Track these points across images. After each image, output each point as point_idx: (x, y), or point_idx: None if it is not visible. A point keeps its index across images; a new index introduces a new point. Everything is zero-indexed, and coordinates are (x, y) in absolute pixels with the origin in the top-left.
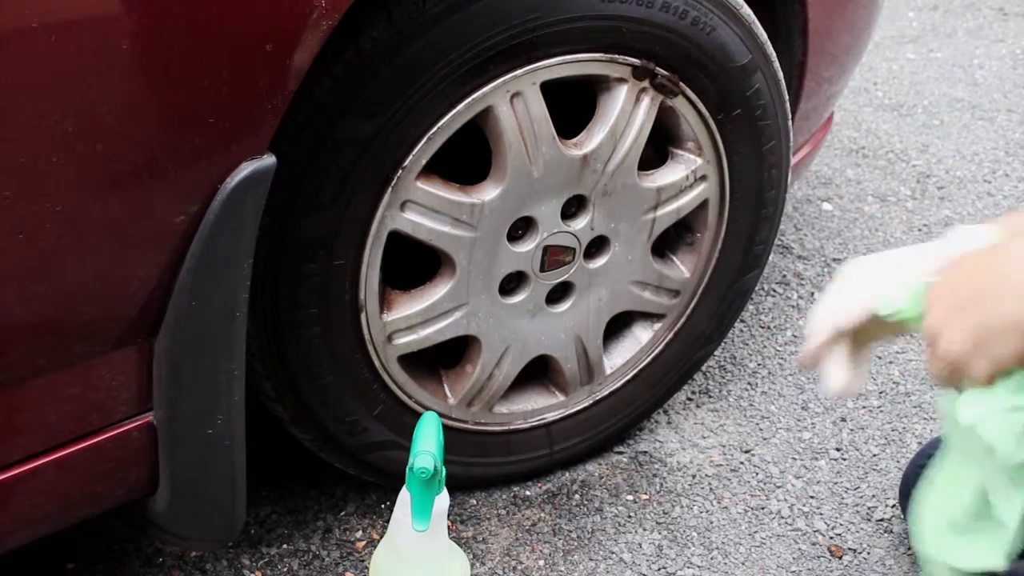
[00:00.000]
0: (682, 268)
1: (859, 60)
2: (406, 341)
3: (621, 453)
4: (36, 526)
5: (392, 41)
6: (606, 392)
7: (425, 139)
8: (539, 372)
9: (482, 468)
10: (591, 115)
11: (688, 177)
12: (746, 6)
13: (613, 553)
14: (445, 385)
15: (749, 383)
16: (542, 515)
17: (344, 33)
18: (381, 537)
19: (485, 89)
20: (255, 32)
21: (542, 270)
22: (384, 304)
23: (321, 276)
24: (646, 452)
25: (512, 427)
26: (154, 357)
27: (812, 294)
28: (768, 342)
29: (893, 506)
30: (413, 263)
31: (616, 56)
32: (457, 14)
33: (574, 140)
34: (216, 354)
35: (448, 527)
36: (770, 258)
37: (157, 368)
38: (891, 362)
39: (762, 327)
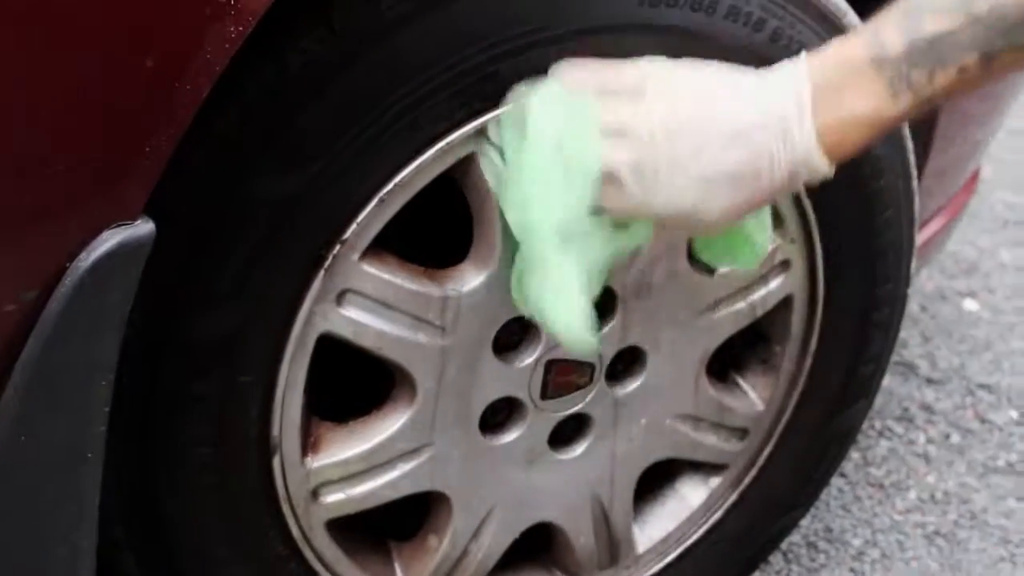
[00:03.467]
0: (753, 397)
1: (1022, 89)
2: (340, 499)
3: None
4: None
5: (332, 56)
6: None
7: (375, 201)
8: (538, 549)
9: None
10: None
11: (763, 263)
12: (852, 12)
13: None
14: (397, 566)
15: (853, 569)
16: None
17: (262, 45)
18: None
19: (467, 128)
20: (127, 39)
21: (545, 396)
22: (309, 443)
23: (216, 400)
24: None
25: None
26: None
27: (947, 437)
28: (881, 508)
29: None
30: (353, 384)
31: None
32: (432, 16)
33: None
34: (55, 517)
35: None
36: (885, 383)
37: None
38: None
39: (872, 485)
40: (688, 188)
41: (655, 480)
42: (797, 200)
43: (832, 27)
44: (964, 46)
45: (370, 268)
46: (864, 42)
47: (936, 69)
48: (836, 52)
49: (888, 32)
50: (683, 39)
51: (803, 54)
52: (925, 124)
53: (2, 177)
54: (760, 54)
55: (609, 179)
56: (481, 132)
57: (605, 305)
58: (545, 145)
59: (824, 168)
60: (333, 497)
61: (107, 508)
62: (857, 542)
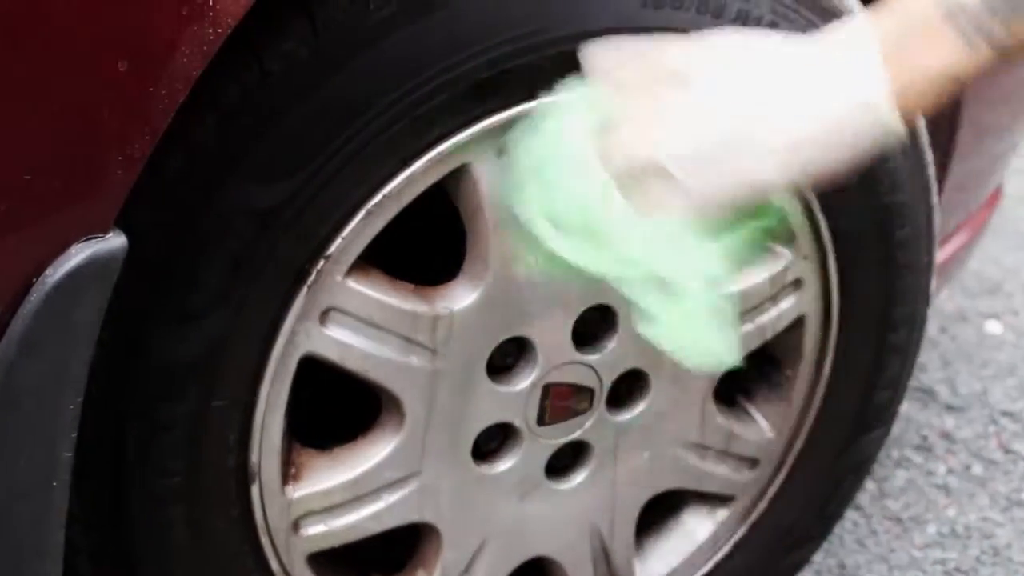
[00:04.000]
0: (763, 425)
1: None
2: (322, 531)
3: None
4: None
5: (316, 60)
6: None
7: (362, 213)
8: None
9: None
10: None
11: (773, 281)
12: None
13: None
14: None
15: None
16: None
17: (242, 48)
18: None
19: (460, 137)
20: (98, 41)
21: (542, 422)
22: (290, 472)
23: (190, 425)
24: None
25: None
26: None
27: (968, 467)
28: (899, 543)
29: None
30: (337, 408)
31: None
32: (424, 18)
33: None
34: (18, 549)
35: None
36: (903, 410)
37: None
38: None
39: (889, 519)
40: (764, 162)
41: (658, 512)
42: (810, 215)
43: None
44: None
45: (356, 285)
46: None
47: (1012, 18)
48: (904, 6)
49: None
50: None
51: (862, 11)
52: (945, 135)
53: None
54: None
55: (656, 174)
56: (479, 139)
57: (603, 324)
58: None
59: (899, 128)
60: (315, 529)
61: (73, 541)
62: None
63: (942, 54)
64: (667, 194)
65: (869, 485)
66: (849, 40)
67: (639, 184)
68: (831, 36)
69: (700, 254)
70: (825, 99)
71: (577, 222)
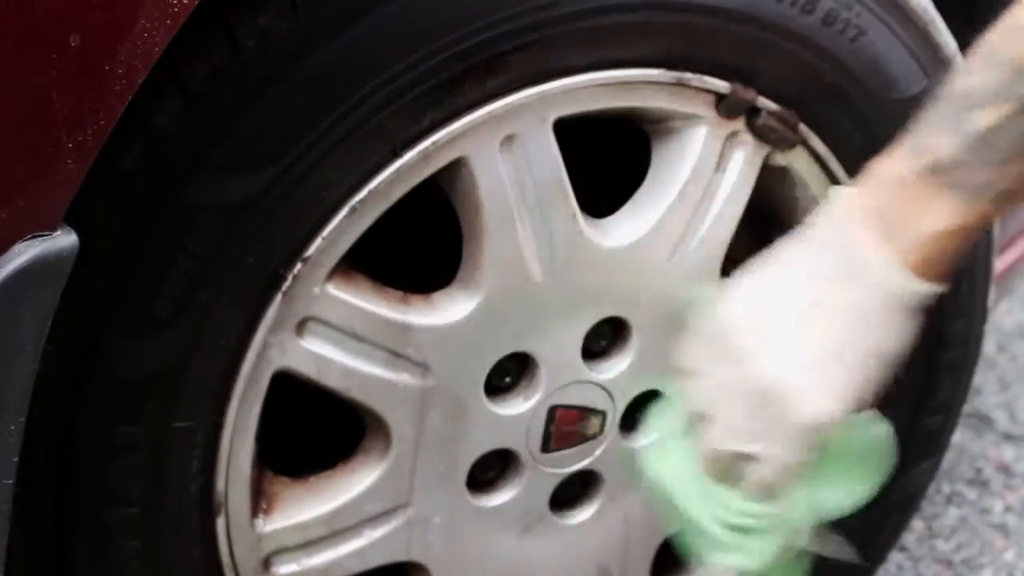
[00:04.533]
0: None
1: None
2: (297, 571)
3: None
4: None
5: (295, 36)
6: None
7: (345, 211)
8: None
9: None
10: (640, 178)
11: None
12: None
13: None
14: None
15: None
16: None
17: (211, 22)
18: None
19: (454, 126)
20: (47, 12)
21: (546, 449)
22: (261, 503)
23: (148, 449)
24: None
25: None
26: None
27: None
28: None
29: None
30: (314, 432)
31: (687, 75)
32: None
33: (608, 220)
34: None
35: None
36: (955, 439)
37: None
38: None
39: (939, 561)
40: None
41: (676, 553)
42: None
43: (896, 11)
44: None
45: (337, 292)
46: (912, 156)
47: (1002, 163)
48: (886, 175)
49: (936, 138)
50: (714, 18)
51: (844, 191)
52: None
53: None
54: (809, 39)
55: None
56: (477, 128)
57: (616, 339)
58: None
59: (924, 288)
60: (288, 568)
61: None
62: None
63: (941, 214)
64: (757, 472)
65: (916, 524)
66: (842, 231)
67: (735, 474)
68: (822, 225)
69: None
70: (837, 298)
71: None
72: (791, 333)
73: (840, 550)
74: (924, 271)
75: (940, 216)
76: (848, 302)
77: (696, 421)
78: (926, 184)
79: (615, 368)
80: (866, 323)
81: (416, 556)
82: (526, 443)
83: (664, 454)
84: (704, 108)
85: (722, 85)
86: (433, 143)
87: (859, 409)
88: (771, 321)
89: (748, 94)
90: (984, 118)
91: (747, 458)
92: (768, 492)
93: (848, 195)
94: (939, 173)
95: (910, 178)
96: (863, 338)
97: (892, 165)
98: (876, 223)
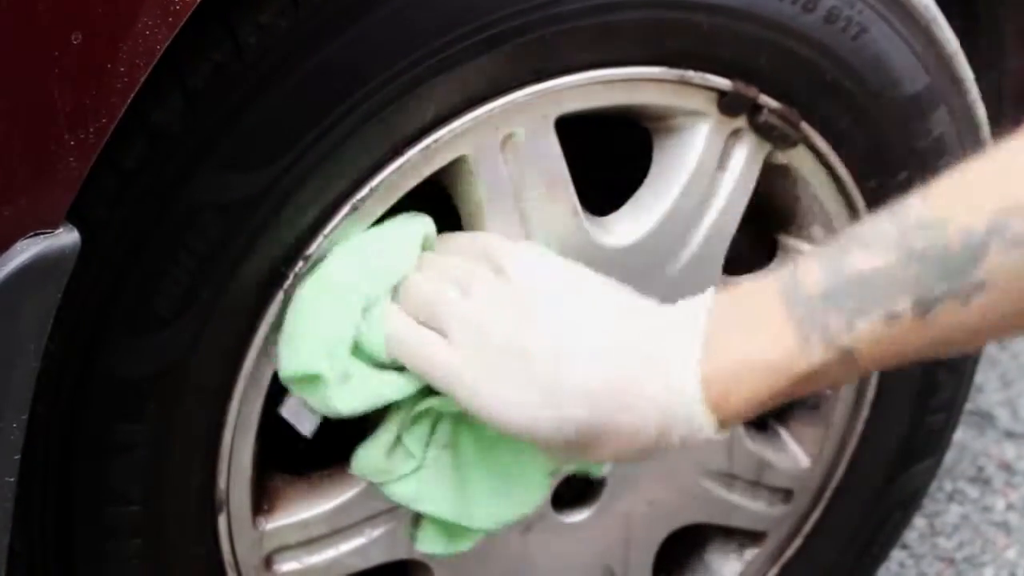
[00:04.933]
0: (798, 452)
1: None
2: (299, 569)
3: None
4: None
5: (296, 34)
6: None
7: (347, 209)
8: None
9: None
10: (642, 176)
11: None
12: None
13: None
14: None
15: None
16: None
17: (212, 19)
18: None
19: (456, 124)
20: (48, 9)
21: None
22: (263, 501)
23: (150, 448)
24: None
25: None
26: None
27: None
28: None
29: None
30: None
31: (689, 72)
32: None
33: (610, 219)
34: None
35: None
36: (957, 437)
37: None
38: None
39: (941, 559)
40: (524, 393)
41: (679, 551)
42: (856, 216)
43: (898, 8)
44: (895, 289)
45: None
46: (780, 277)
47: (858, 314)
48: (748, 286)
49: (808, 268)
50: (716, 16)
51: (713, 289)
52: (1008, 123)
53: None
54: (811, 37)
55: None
56: (480, 126)
57: None
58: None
59: (706, 422)
60: (290, 566)
61: None
62: None
63: (768, 343)
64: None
65: (918, 522)
66: (680, 308)
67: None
68: (672, 304)
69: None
70: (623, 353)
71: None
72: (556, 342)
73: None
74: (718, 403)
75: (766, 346)
76: (629, 372)
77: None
78: (775, 307)
79: None
80: (635, 407)
81: (418, 555)
82: None
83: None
84: (706, 106)
85: (724, 83)
86: (435, 141)
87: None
88: (547, 315)
89: (750, 92)
90: (862, 261)
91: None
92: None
93: (712, 292)
94: (791, 302)
95: (765, 297)
96: (622, 411)
97: (761, 281)
98: (709, 327)
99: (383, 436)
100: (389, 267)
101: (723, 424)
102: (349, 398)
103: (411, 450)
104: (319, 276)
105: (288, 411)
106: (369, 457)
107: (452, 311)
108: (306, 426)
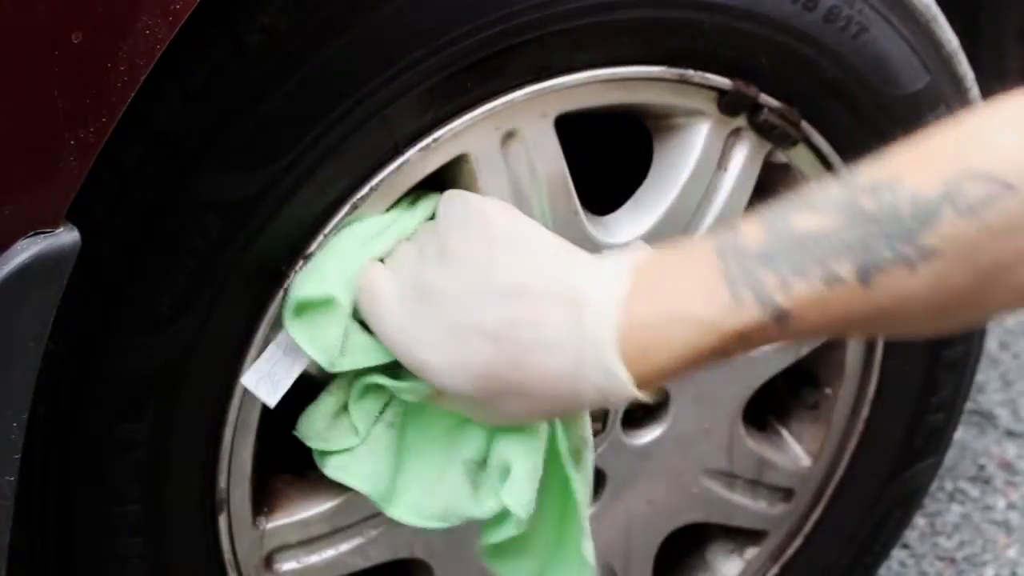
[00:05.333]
0: (798, 451)
1: None
2: (300, 567)
3: None
4: None
5: (297, 35)
6: None
7: (347, 208)
8: None
9: None
10: (643, 174)
11: None
12: None
13: None
14: None
15: None
16: None
17: (213, 19)
18: None
19: (456, 123)
20: (48, 9)
21: None
22: (263, 501)
23: (150, 447)
24: None
25: None
26: None
27: None
28: None
29: None
30: None
31: (689, 72)
32: None
33: (610, 218)
34: None
35: None
36: (957, 436)
37: None
38: None
39: (942, 559)
40: (433, 332)
41: (679, 550)
42: None
43: (898, 7)
44: (837, 250)
45: None
46: (720, 234)
47: (795, 274)
48: (685, 242)
49: (750, 227)
50: (716, 15)
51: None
52: None
53: None
54: (811, 36)
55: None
56: (480, 125)
57: None
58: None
59: (620, 379)
60: (290, 565)
61: None
62: None
63: (696, 297)
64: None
65: (919, 521)
66: (610, 257)
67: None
68: (598, 256)
69: None
70: (536, 294)
71: None
72: (468, 280)
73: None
74: (636, 358)
75: (694, 300)
76: (540, 314)
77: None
78: (707, 260)
79: None
80: (543, 353)
81: (418, 553)
82: None
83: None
84: (706, 105)
85: (724, 82)
86: (435, 140)
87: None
88: (463, 253)
89: (750, 91)
90: (804, 222)
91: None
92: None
93: (647, 246)
94: (724, 256)
95: (699, 250)
96: (527, 356)
97: (701, 235)
98: (636, 277)
99: (327, 402)
100: (399, 231)
101: (643, 382)
102: (344, 347)
103: (356, 424)
104: (354, 226)
105: (249, 380)
106: (312, 421)
107: (400, 262)
108: (267, 393)
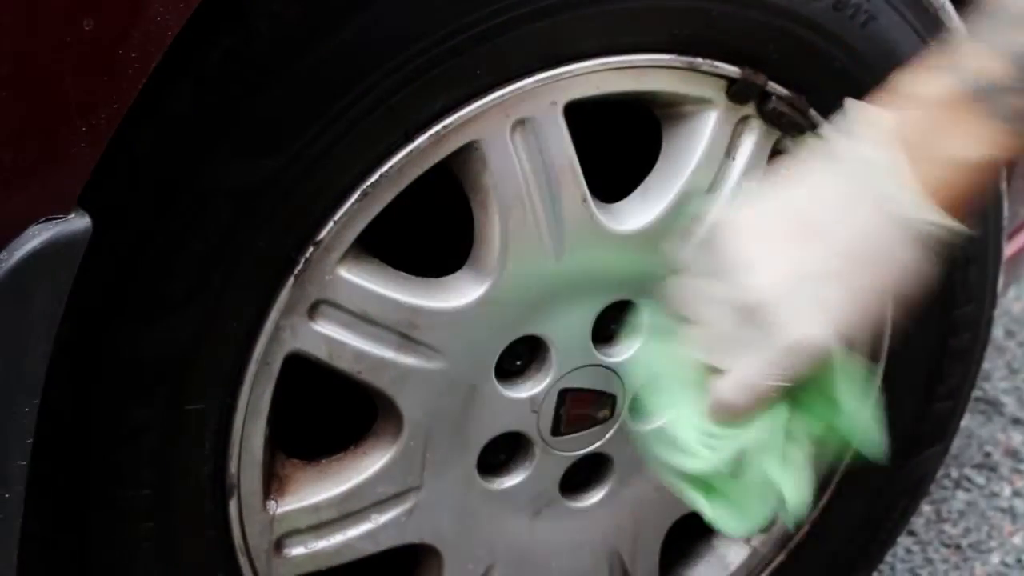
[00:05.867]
0: None
1: None
2: (309, 553)
3: None
4: None
5: (307, 19)
6: None
7: (357, 195)
8: None
9: None
10: (651, 162)
11: None
12: None
13: None
14: None
15: None
16: None
17: (224, 5)
18: None
19: (466, 111)
20: None
21: (557, 432)
22: (273, 485)
23: (161, 432)
24: None
25: None
26: None
27: None
28: (958, 573)
29: None
30: (326, 415)
31: (698, 60)
32: None
33: (619, 205)
34: None
35: None
36: (964, 424)
37: None
38: None
39: (947, 545)
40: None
41: (686, 536)
42: None
43: (915, 0)
44: None
45: (350, 275)
46: (952, 77)
47: None
48: (921, 94)
49: (981, 60)
50: (725, 3)
51: (866, 106)
52: None
53: None
54: (820, 24)
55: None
56: (490, 112)
57: (626, 322)
58: None
59: (944, 221)
60: (300, 550)
61: (27, 561)
62: None
63: (977, 141)
64: (720, 390)
65: (925, 508)
66: (860, 149)
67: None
68: (838, 148)
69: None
70: (854, 224)
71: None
72: (791, 250)
73: None
74: (946, 203)
75: (978, 144)
76: (857, 226)
77: (681, 323)
78: (965, 108)
79: (625, 351)
80: (873, 251)
81: (427, 538)
82: (537, 426)
83: (650, 350)
84: (715, 93)
85: (733, 70)
86: (445, 127)
87: (847, 344)
88: (772, 236)
89: (758, 79)
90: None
91: (717, 372)
92: (727, 414)
93: (870, 111)
94: (982, 98)
95: (948, 100)
96: (867, 266)
97: (928, 85)
98: (900, 144)
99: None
100: None
101: (956, 215)
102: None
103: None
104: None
105: None
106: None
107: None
108: None
